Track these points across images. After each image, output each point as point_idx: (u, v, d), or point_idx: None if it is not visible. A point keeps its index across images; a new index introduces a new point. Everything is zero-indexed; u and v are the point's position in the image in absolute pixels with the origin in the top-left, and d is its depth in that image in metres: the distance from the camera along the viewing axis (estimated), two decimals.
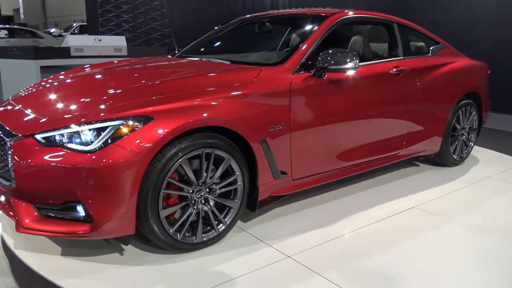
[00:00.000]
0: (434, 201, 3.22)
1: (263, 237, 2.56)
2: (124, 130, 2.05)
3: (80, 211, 2.07)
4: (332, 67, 2.70)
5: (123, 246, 2.41)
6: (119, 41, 8.03)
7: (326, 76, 2.79)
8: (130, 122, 2.07)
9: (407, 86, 3.38)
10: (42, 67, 6.55)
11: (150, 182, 2.10)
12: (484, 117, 4.36)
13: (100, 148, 2.01)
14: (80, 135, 2.06)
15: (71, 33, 19.83)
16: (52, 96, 2.53)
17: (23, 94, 2.74)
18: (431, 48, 3.83)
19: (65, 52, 7.10)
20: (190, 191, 2.29)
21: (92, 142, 2.03)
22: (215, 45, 3.65)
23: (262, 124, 2.47)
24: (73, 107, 2.28)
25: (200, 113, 2.22)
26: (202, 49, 3.62)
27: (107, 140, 2.03)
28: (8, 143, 2.14)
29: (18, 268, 2.20)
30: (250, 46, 3.43)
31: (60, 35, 18.01)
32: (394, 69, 3.28)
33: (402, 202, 3.17)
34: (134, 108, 2.13)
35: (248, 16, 3.79)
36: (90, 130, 2.05)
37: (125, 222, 2.09)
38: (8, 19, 28.75)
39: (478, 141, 4.84)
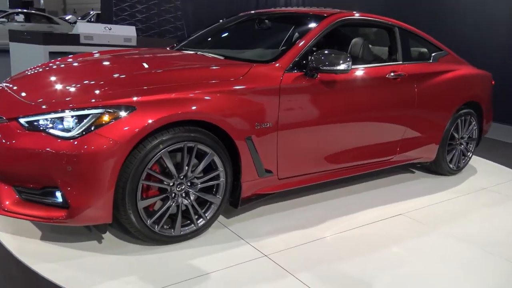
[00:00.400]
0: (423, 209, 3.19)
1: (244, 235, 2.56)
2: (105, 118, 2.06)
3: (58, 197, 2.09)
4: (324, 67, 2.68)
5: (103, 235, 2.42)
6: (129, 31, 8.07)
7: (318, 76, 2.77)
8: (112, 111, 2.08)
9: (403, 91, 3.33)
10: (51, 53, 6.61)
11: (129, 172, 2.11)
12: (485, 127, 4.29)
13: (80, 135, 2.03)
14: (62, 121, 2.07)
15: (88, 21, 19.98)
16: (42, 82, 2.55)
17: (18, 77, 2.77)
18: (433, 54, 3.78)
19: (74, 39, 7.15)
20: (171, 184, 2.29)
21: (73, 128, 2.05)
22: (213, 39, 3.64)
23: (248, 121, 2.46)
24: (59, 93, 2.30)
25: (183, 107, 2.22)
26: (201, 42, 3.61)
27: (87, 127, 2.04)
28: None
29: None
30: (248, 42, 3.41)
31: (76, 22, 18.15)
32: (392, 74, 3.24)
33: (390, 208, 3.14)
34: (117, 98, 2.14)
35: (249, 12, 3.78)
36: (72, 117, 2.07)
37: (102, 210, 2.10)
38: (26, 4, 29.04)
39: (479, 152, 4.78)
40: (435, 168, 3.96)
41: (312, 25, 3.00)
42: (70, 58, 3.06)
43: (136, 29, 12.00)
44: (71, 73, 2.67)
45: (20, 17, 13.98)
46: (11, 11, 14.12)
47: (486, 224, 3.03)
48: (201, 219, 2.45)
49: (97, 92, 2.21)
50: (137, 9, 11.86)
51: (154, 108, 2.15)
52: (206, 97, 2.32)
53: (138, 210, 2.19)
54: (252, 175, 2.59)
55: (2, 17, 13.19)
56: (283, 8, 3.68)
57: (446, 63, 3.80)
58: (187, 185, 2.37)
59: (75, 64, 2.87)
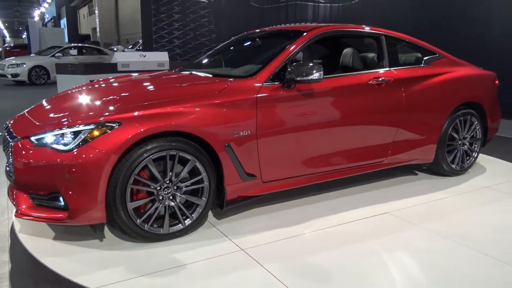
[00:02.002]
0: (412, 208, 3.29)
1: (228, 233, 2.83)
2: (96, 133, 2.45)
3: (61, 200, 2.49)
4: (298, 78, 2.94)
5: (105, 234, 2.80)
6: (162, 57, 8.69)
7: (296, 86, 3.02)
8: (101, 127, 2.47)
9: (389, 96, 3.48)
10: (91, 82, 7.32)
11: (118, 177, 2.47)
12: (492, 126, 4.27)
13: (75, 148, 2.43)
14: (63, 137, 2.49)
15: (136, 49, 21.33)
16: (53, 105, 3.02)
17: (37, 105, 3.26)
18: (425, 58, 3.89)
19: (113, 68, 7.87)
20: (158, 188, 2.63)
21: (70, 143, 2.45)
22: (213, 59, 4.00)
23: (225, 130, 2.76)
24: (62, 114, 2.74)
25: (163, 120, 2.57)
26: (202, 63, 3.99)
27: (80, 141, 2.44)
28: (11, 143, 2.63)
29: (15, 246, 2.66)
30: (241, 60, 3.74)
31: (123, 51, 19.46)
32: (374, 80, 3.41)
33: (378, 207, 3.28)
34: (106, 115, 2.53)
35: (246, 32, 4.13)
36: (69, 133, 2.48)
37: (96, 211, 2.47)
38: (84, 38, 31.49)
39: (491, 151, 4.75)
40: (437, 169, 4.02)
41: (292, 40, 3.27)
42: (85, 85, 3.54)
43: (175, 54, 12.78)
44: (76, 97, 3.11)
45: (74, 51, 15.30)
46: (65, 46, 15.51)
47: (473, 221, 3.09)
48: (188, 219, 2.76)
49: (90, 111, 2.63)
50: (175, 35, 12.65)
51: (137, 122, 2.51)
52: (185, 111, 2.65)
53: (128, 211, 2.54)
54: (234, 179, 2.87)
55: (58, 52, 14.53)
56: (275, 27, 3.98)
57: (439, 66, 3.90)
58: (174, 189, 2.69)
59: (83, 89, 3.33)
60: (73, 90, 3.36)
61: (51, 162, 2.44)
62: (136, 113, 2.55)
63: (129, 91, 3.03)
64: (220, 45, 4.14)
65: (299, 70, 2.93)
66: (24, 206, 2.59)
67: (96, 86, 3.41)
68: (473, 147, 4.14)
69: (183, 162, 2.69)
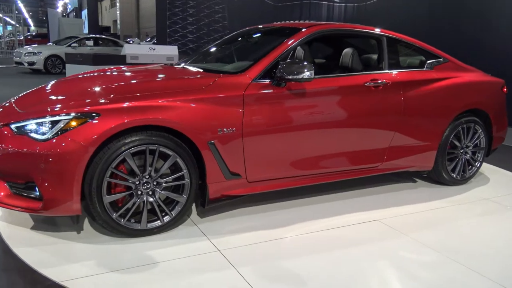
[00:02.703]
0: (404, 216, 3.17)
1: (208, 232, 2.76)
2: (73, 123, 2.40)
3: (36, 190, 2.45)
4: (288, 76, 2.84)
5: (84, 226, 2.76)
6: (172, 50, 8.68)
7: (286, 85, 2.93)
8: (79, 117, 2.42)
9: (386, 99, 3.36)
10: None
11: (95, 170, 2.42)
12: (498, 135, 4.10)
13: (52, 138, 2.38)
14: (41, 126, 2.45)
15: (153, 43, 21.43)
16: (37, 94, 2.99)
17: (24, 93, 3.24)
18: (428, 62, 3.75)
19: (122, 59, 7.87)
20: (137, 182, 2.57)
21: (47, 132, 2.41)
22: (210, 54, 3.93)
23: (210, 127, 2.68)
24: (44, 102, 2.70)
25: (144, 114, 2.50)
26: (200, 58, 3.92)
27: (57, 131, 2.39)
28: None
29: None
30: (235, 56, 3.66)
31: (139, 44, 19.56)
32: (370, 82, 3.29)
33: (369, 214, 3.17)
34: (86, 106, 2.48)
35: (246, 28, 4.04)
36: (47, 122, 2.44)
37: (71, 203, 2.42)
38: (104, 29, 31.81)
39: (497, 161, 4.57)
40: (436, 177, 3.87)
41: (287, 37, 3.17)
42: (75, 75, 3.51)
43: (188, 48, 12.77)
44: (62, 87, 3.08)
45: (90, 42, 15.43)
46: (82, 36, 15.66)
47: (467, 234, 2.95)
48: (167, 216, 2.70)
49: (71, 101, 2.58)
50: (188, 30, 12.64)
51: (116, 115, 2.45)
52: (167, 105, 2.58)
53: (104, 205, 2.49)
54: (218, 177, 2.79)
55: (74, 42, 14.68)
56: (275, 23, 3.88)
57: (443, 70, 3.75)
58: (153, 185, 2.63)
59: (70, 79, 3.30)
60: (61, 80, 3.33)
61: (28, 151, 2.40)
62: (116, 105, 2.50)
63: (115, 82, 2.98)
64: (220, 40, 4.06)
65: (290, 68, 2.84)
66: (2, 194, 2.56)
67: (86, 76, 3.37)
68: (476, 156, 3.98)
69: (165, 157, 2.62)
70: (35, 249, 2.46)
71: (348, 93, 3.20)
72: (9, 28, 33.13)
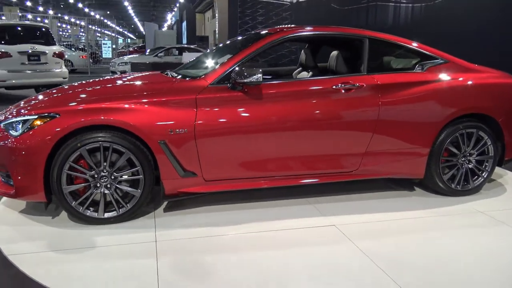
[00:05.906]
0: (366, 224, 3.05)
1: (160, 225, 2.98)
2: (38, 122, 2.82)
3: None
4: (238, 80, 2.96)
5: (62, 213, 3.16)
6: None
7: (243, 88, 3.04)
8: (42, 117, 2.82)
9: (359, 102, 3.25)
10: None
11: (54, 163, 2.80)
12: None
13: (21, 134, 2.82)
14: (17, 124, 2.91)
15: None
16: (34, 98, 3.48)
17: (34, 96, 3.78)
18: (420, 63, 3.52)
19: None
20: (95, 176, 2.90)
21: (19, 130, 2.86)
22: (200, 61, 4.12)
23: (160, 127, 2.90)
24: (28, 104, 3.16)
25: (98, 115, 2.82)
26: (191, 64, 4.16)
27: (25, 129, 2.82)
28: None
29: None
30: (216, 62, 3.80)
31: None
32: (341, 85, 3.22)
33: (328, 219, 3.11)
34: (50, 107, 2.88)
35: (247, 33, 4.20)
36: (20, 122, 2.89)
37: (36, 191, 2.84)
38: (201, 39, 33.80)
39: None
40: (432, 186, 3.61)
41: (249, 45, 3.27)
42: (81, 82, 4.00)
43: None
44: (53, 92, 3.52)
45: (176, 52, 16.67)
46: (168, 47, 17.00)
47: (425, 247, 2.73)
48: (123, 208, 2.99)
49: (43, 104, 3.01)
50: None
51: (73, 115, 2.81)
52: (120, 107, 2.87)
53: (64, 194, 2.86)
54: (172, 174, 3.00)
55: (160, 52, 16.01)
56: (259, 30, 3.99)
57: (438, 71, 3.49)
58: (111, 178, 2.94)
59: (67, 86, 3.75)
60: (64, 86, 3.82)
61: (6, 145, 2.86)
62: (74, 107, 2.86)
63: (90, 87, 3.38)
64: (214, 48, 4.28)
65: (240, 73, 2.95)
66: None
67: (74, 84, 3.81)
68: (482, 165, 3.62)
69: (121, 154, 2.91)
70: (8, 227, 2.92)
71: (310, 97, 3.18)
72: (128, 40, 36.86)
